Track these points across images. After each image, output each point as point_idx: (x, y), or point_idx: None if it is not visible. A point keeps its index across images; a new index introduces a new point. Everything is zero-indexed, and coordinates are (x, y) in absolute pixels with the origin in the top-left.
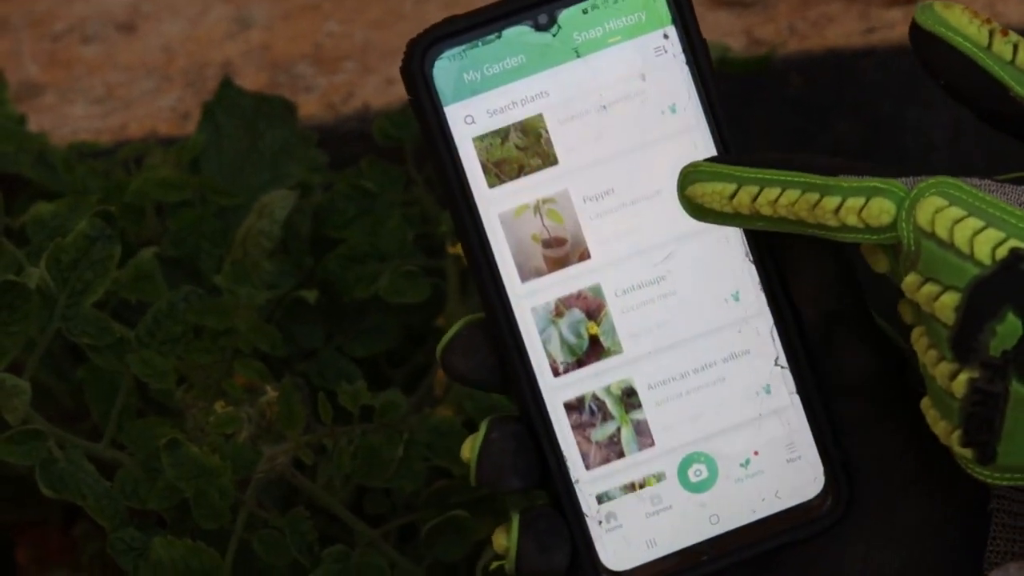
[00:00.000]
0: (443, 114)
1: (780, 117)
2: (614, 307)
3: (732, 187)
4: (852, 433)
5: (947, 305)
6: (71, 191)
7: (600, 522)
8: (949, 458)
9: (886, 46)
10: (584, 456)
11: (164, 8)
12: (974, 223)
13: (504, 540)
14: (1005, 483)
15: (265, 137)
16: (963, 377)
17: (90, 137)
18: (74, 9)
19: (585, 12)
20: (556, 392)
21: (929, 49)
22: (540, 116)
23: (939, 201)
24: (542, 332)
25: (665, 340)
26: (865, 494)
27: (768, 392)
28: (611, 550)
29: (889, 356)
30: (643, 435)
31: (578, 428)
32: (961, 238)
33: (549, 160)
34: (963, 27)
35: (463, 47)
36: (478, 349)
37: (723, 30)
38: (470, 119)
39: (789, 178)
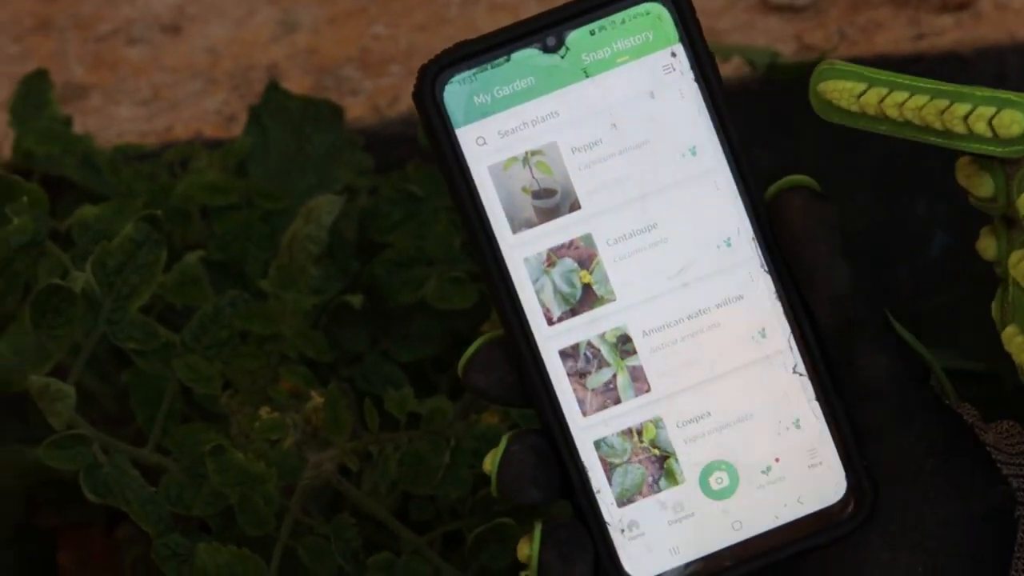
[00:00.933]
0: (455, 136)
1: (830, 123)
2: (606, 255)
3: (862, 86)
4: (875, 439)
5: None
6: (116, 194)
7: (622, 530)
8: (973, 464)
9: (935, 52)
10: (580, 403)
11: (210, 10)
12: None
13: (527, 550)
14: None
15: (312, 140)
16: None
17: (135, 139)
18: (120, 11)
19: (592, 33)
20: (551, 340)
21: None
22: (554, 143)
23: None
24: (535, 282)
25: (658, 287)
26: (888, 500)
27: (764, 336)
28: (634, 558)
29: (911, 363)
30: (639, 381)
31: (574, 375)
32: None
33: None
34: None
35: (473, 71)
36: (496, 365)
37: (773, 35)
38: (482, 140)
39: (920, 84)
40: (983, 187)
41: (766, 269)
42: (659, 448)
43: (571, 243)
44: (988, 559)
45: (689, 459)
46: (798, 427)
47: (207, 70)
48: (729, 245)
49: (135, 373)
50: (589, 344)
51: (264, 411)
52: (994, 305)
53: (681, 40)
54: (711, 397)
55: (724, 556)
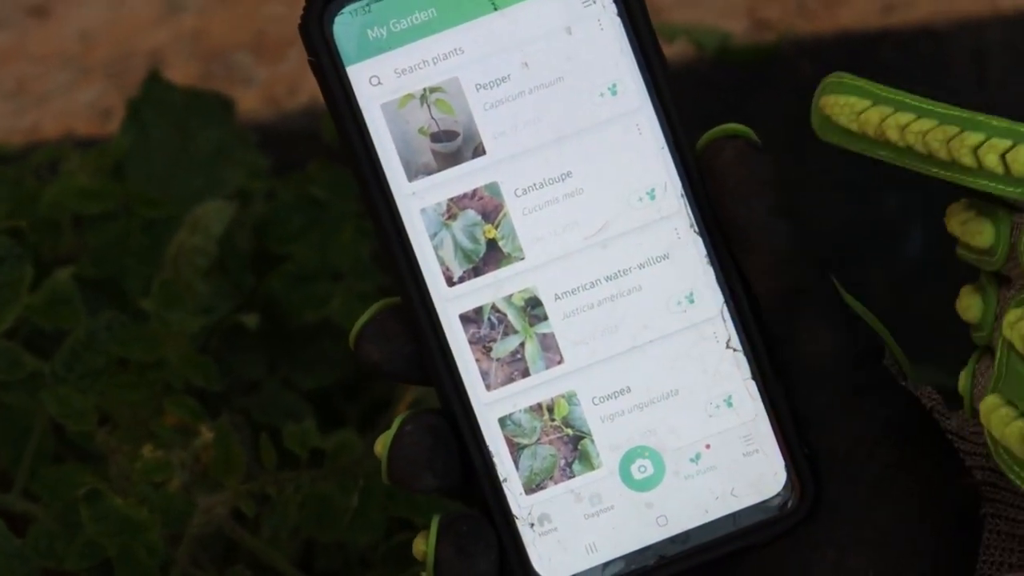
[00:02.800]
0: (345, 75)
1: (788, 109)
2: (513, 208)
3: (866, 103)
4: (819, 424)
5: None
6: None
7: (532, 524)
8: (929, 454)
9: (906, 27)
10: (484, 375)
11: None
12: None
13: (423, 545)
14: None
15: (198, 138)
16: None
17: None
18: None
19: None
20: (451, 303)
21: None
22: (455, 78)
23: None
24: (433, 236)
25: (572, 244)
26: (835, 493)
27: (692, 303)
28: (545, 557)
29: (862, 339)
30: (550, 351)
31: (477, 344)
32: None
33: None
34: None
35: (367, 1)
36: (394, 336)
37: (722, 10)
38: (376, 80)
39: (930, 106)
40: (982, 236)
41: (695, 228)
42: (572, 427)
43: (474, 193)
44: (949, 561)
45: (607, 441)
46: (731, 409)
47: (79, 58)
48: (653, 198)
49: None
50: (494, 308)
51: (147, 449)
52: (963, 376)
53: None
54: (631, 371)
55: (647, 555)
